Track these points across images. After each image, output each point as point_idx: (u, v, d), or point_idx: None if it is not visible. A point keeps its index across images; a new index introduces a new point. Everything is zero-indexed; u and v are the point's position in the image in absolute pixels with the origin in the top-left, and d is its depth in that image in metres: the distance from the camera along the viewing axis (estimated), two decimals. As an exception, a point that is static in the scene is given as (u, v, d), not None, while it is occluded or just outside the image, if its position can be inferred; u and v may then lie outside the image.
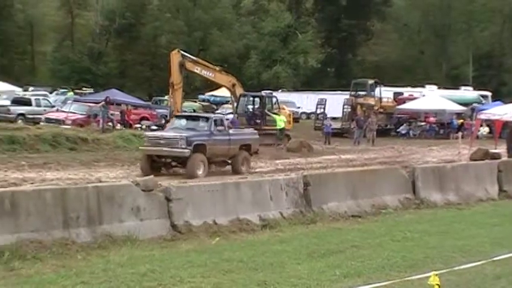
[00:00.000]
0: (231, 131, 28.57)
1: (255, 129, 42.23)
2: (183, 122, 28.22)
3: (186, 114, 32.88)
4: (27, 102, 45.87)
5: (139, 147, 27.89)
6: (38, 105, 45.42)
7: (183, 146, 25.77)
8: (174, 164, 26.73)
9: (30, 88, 62.98)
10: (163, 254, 12.30)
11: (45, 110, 44.55)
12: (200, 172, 25.78)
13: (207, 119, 28.14)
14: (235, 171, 27.25)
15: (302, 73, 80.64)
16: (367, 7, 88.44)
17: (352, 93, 55.14)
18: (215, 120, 27.84)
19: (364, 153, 38.88)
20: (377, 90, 55.23)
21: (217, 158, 27.54)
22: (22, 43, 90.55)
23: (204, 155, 26.20)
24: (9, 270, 10.80)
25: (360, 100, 53.97)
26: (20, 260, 11.21)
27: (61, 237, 12.20)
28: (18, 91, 55.14)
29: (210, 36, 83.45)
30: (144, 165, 26.33)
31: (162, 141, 26.26)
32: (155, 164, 26.40)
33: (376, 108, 53.65)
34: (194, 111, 55.27)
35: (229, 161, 28.19)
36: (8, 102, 46.13)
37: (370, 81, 55.61)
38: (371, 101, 53.99)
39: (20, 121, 41.49)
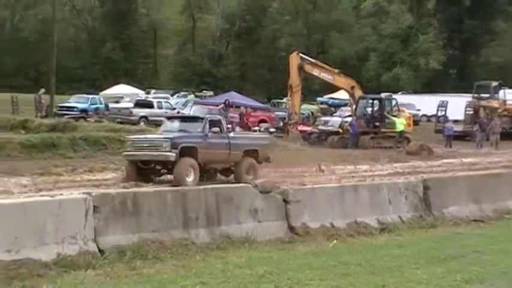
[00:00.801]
0: (231, 134, 25.18)
1: (374, 132, 42.45)
2: (176, 123, 25.19)
3: (178, 115, 29.60)
4: (149, 105, 46.85)
5: (123, 153, 24.20)
6: (160, 108, 46.32)
7: (167, 149, 22.66)
8: (163, 170, 23.65)
9: (152, 91, 64.44)
10: (280, 256, 12.32)
11: (166, 113, 45.53)
12: (189, 179, 22.31)
13: (201, 119, 24.73)
14: (238, 180, 23.03)
15: (423, 75, 79.46)
16: (491, 7, 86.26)
17: (475, 95, 53.90)
18: (210, 121, 24.32)
19: (487, 157, 37.92)
20: (501, 92, 53.79)
21: (213, 164, 24.11)
22: (145, 47, 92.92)
23: (194, 160, 22.90)
24: (131, 269, 11.04)
25: (483, 103, 52.68)
26: (141, 259, 11.44)
27: (181, 237, 12.39)
28: (141, 94, 56.48)
29: (329, 39, 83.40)
30: (129, 173, 23.18)
31: (145, 145, 23.30)
32: (142, 171, 23.29)
33: (500, 111, 52.27)
34: (312, 113, 55.28)
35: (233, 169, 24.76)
36: (130, 105, 47.38)
37: (494, 83, 54.21)
38: (495, 104, 52.62)
39: (142, 123, 42.49)
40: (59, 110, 47.86)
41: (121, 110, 46.37)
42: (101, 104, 50.75)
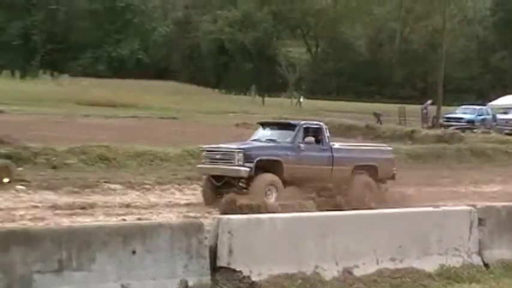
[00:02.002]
0: (337, 146, 20.42)
1: None
2: (267, 131, 21.01)
3: (271, 121, 24.35)
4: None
5: (197, 166, 20.70)
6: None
7: (240, 163, 18.82)
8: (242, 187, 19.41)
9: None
10: None
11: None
12: (271, 200, 18.34)
13: (293, 127, 20.31)
14: (348, 204, 17.76)
15: None
16: None
17: None
18: (306, 129, 19.95)
19: None
20: None
21: (307, 182, 19.04)
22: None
23: (277, 176, 18.97)
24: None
25: None
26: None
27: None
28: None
29: None
30: (205, 190, 19.63)
31: (217, 156, 19.45)
32: (220, 189, 19.18)
33: None
34: None
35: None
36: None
37: None
38: None
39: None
40: (446, 121, 48.00)
41: (508, 122, 45.19)
42: (488, 115, 49.84)
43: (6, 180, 19.15)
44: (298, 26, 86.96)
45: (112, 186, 20.13)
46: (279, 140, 19.97)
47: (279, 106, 63.53)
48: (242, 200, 17.13)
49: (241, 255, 9.30)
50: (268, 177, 18.90)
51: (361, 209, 13.89)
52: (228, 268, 9.20)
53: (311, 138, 19.64)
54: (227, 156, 19.11)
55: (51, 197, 18.53)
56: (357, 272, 10.11)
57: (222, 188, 19.05)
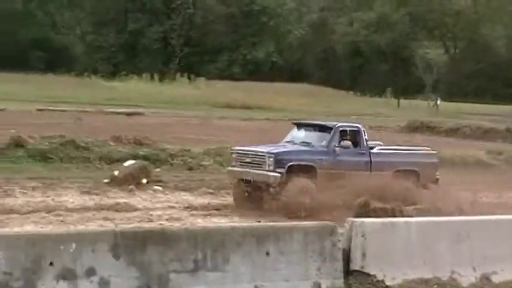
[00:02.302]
0: (375, 150, 18.94)
1: None
2: (301, 133, 19.56)
3: (307, 122, 22.49)
4: None
5: (228, 168, 19.42)
6: None
7: (271, 168, 17.63)
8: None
9: None
10: None
11: None
12: (303, 207, 17.10)
13: (329, 129, 18.85)
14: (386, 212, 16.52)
15: None
16: None
17: None
18: (342, 132, 18.61)
19: None
20: None
21: (342, 188, 17.85)
22: None
23: (311, 182, 17.56)
24: None
25: None
26: None
27: None
28: None
29: None
30: (237, 194, 18.48)
31: (247, 160, 18.26)
32: (252, 194, 18.16)
33: None
34: None
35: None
36: None
37: None
38: None
39: None
40: None
41: None
42: None
43: (144, 180, 19.63)
44: (437, 27, 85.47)
45: (248, 188, 20.27)
46: (313, 143, 18.65)
47: (414, 108, 62.63)
48: (376, 204, 16.85)
49: (374, 259, 9.20)
50: (301, 182, 17.48)
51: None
52: (362, 271, 9.12)
53: (348, 142, 18.38)
54: (258, 160, 17.98)
55: (187, 197, 18.81)
56: (496, 279, 9.84)
57: (253, 192, 18.07)
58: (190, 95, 53.97)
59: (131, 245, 8.02)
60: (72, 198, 18.11)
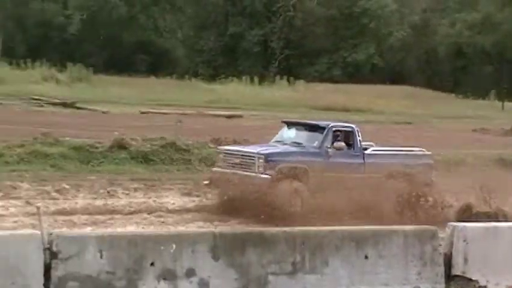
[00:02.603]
0: (369, 151, 18.29)
1: None
2: (292, 132, 18.77)
3: (298, 121, 21.43)
4: None
5: (212, 169, 18.60)
6: None
7: (260, 169, 16.82)
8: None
9: None
10: None
11: None
12: (292, 209, 16.41)
13: (322, 129, 18.03)
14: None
15: None
16: None
17: None
18: (336, 132, 17.91)
19: None
20: None
21: (335, 191, 17.03)
22: None
23: (303, 184, 16.86)
24: None
25: None
26: None
27: None
28: None
29: None
30: (222, 197, 17.64)
31: (236, 160, 17.55)
32: (240, 196, 17.24)
33: None
34: None
35: None
36: None
37: None
38: None
39: None
40: None
41: None
42: None
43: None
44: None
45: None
46: (304, 144, 17.95)
47: (519, 111, 61.07)
48: (479, 207, 16.51)
49: (477, 264, 9.02)
50: (291, 184, 16.86)
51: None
52: (463, 277, 8.96)
53: (341, 143, 17.72)
54: (246, 161, 17.25)
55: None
56: None
57: (240, 195, 17.01)
58: (289, 98, 54.04)
59: (230, 247, 8.07)
60: (172, 199, 18.41)
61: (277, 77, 66.23)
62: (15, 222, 15.55)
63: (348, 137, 17.98)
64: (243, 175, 17.00)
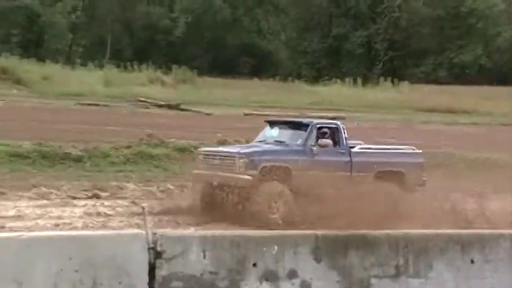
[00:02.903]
0: (356, 149, 17.34)
1: None
2: (275, 131, 17.80)
3: (280, 119, 20.49)
4: None
5: (193, 171, 17.65)
6: None
7: (242, 169, 16.04)
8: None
9: None
10: None
11: None
12: (274, 215, 15.74)
13: (305, 126, 17.18)
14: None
15: None
16: None
17: None
18: (318, 130, 16.98)
19: None
20: None
21: (321, 192, 16.01)
22: None
23: (285, 186, 16.03)
24: None
25: None
26: None
27: None
28: None
29: None
30: (203, 201, 16.93)
31: (216, 161, 16.73)
32: (219, 199, 16.62)
33: None
34: None
35: None
36: None
37: None
38: None
39: None
40: None
41: None
42: None
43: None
44: None
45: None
46: (288, 142, 17.09)
47: None
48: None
49: None
50: (273, 186, 16.05)
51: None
52: None
53: (327, 141, 16.79)
54: (227, 162, 16.45)
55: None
56: None
57: (222, 197, 16.54)
58: (393, 99, 53.51)
59: (332, 249, 8.03)
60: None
61: (381, 79, 65.66)
62: (121, 222, 15.89)
63: (333, 135, 17.15)
64: (224, 176, 16.34)
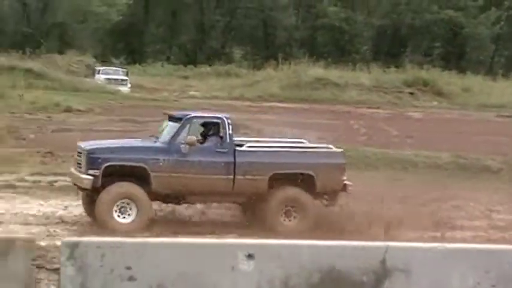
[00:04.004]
0: (243, 148, 14.45)
1: None
2: (165, 125, 15.31)
3: (169, 112, 16.47)
4: None
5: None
6: None
7: (84, 169, 14.11)
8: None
9: None
10: None
11: None
12: (125, 220, 13.70)
13: (178, 120, 14.69)
14: (264, 226, 13.58)
15: None
16: None
17: None
18: (194, 124, 14.57)
19: None
20: None
21: (195, 196, 14.23)
22: None
23: (140, 189, 13.84)
24: None
25: None
26: None
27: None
28: None
29: None
30: (85, 204, 14.82)
31: (79, 159, 14.54)
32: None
33: None
34: None
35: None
36: None
37: None
38: None
39: None
40: None
41: None
42: None
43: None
44: None
45: None
46: (160, 139, 14.73)
47: None
48: None
49: None
50: (121, 188, 13.95)
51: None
52: None
53: (192, 138, 14.26)
54: (80, 159, 14.43)
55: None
56: None
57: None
58: None
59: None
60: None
61: None
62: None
63: (213, 131, 14.78)
64: (74, 176, 14.77)
